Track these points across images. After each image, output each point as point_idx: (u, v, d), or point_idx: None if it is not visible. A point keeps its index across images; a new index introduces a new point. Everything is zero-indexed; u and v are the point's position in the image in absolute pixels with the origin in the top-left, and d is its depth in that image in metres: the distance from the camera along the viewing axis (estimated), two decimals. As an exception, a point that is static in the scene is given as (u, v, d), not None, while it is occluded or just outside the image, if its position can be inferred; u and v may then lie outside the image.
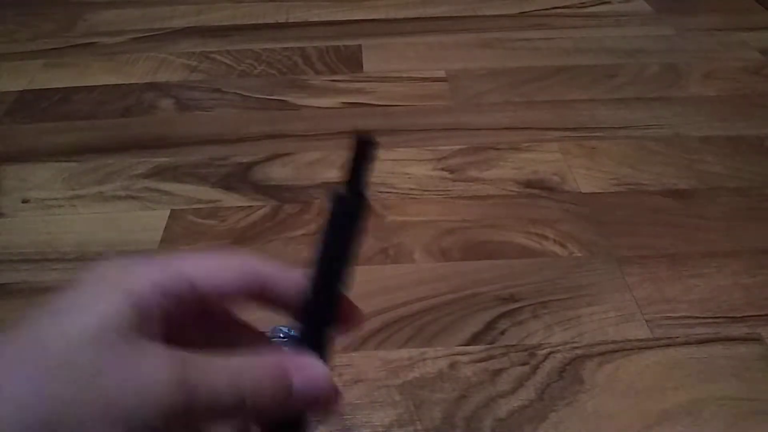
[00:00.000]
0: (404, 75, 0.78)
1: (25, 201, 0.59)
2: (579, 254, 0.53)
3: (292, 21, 0.92)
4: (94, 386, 0.18)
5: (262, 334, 0.25)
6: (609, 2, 0.96)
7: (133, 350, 0.19)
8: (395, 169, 0.63)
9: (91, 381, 0.18)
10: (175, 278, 0.21)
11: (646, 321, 0.47)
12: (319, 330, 0.23)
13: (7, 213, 0.58)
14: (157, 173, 0.63)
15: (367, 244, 0.54)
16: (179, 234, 0.55)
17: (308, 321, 0.23)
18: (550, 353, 0.45)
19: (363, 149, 0.22)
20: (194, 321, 0.21)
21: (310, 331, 0.23)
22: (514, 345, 0.46)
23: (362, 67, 0.80)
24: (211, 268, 0.22)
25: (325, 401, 0.22)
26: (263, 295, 0.22)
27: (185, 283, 0.21)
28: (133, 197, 0.60)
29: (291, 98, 0.74)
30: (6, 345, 0.18)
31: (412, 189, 0.60)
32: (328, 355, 0.22)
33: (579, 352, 0.45)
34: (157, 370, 0.19)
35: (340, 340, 0.23)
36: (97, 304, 0.19)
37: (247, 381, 0.20)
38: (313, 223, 0.56)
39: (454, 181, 0.61)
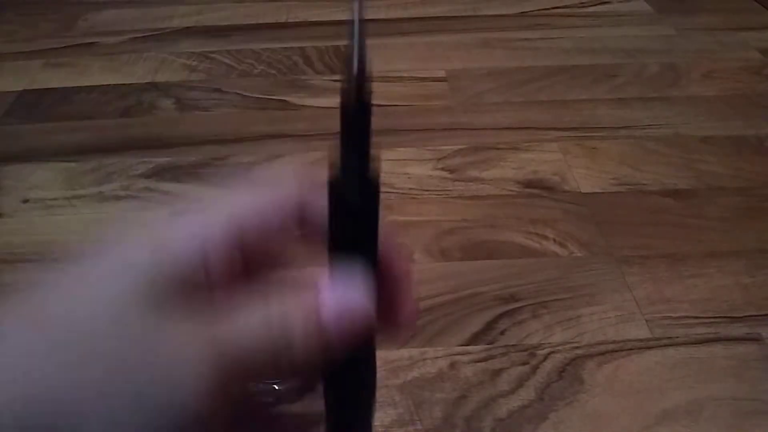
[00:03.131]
0: (404, 75, 0.78)
1: (25, 201, 0.59)
2: (579, 254, 0.53)
3: (292, 21, 0.92)
4: (118, 373, 0.16)
5: (299, 271, 0.22)
6: (609, 2, 0.96)
7: (160, 326, 0.17)
8: (395, 169, 0.63)
9: (114, 367, 0.16)
10: (217, 231, 0.18)
11: (646, 321, 0.47)
12: (360, 248, 0.19)
13: (7, 213, 0.58)
14: (157, 173, 0.63)
15: (367, 244, 0.54)
16: (179, 234, 0.55)
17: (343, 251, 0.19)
18: (550, 353, 0.45)
19: (358, 119, 0.17)
20: (233, 270, 0.19)
21: (351, 246, 0.19)
22: (514, 345, 0.46)
23: (362, 67, 0.80)
24: (254, 210, 0.19)
25: (368, 329, 0.19)
26: (306, 225, 0.20)
27: (227, 234, 0.18)
28: (133, 197, 0.60)
29: (291, 98, 0.74)
30: (7, 319, 0.17)
31: (411, 189, 0.60)
32: (368, 284, 0.19)
33: (579, 352, 0.45)
34: (186, 353, 0.16)
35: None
36: (119, 267, 0.17)
37: (275, 333, 0.18)
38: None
39: (454, 181, 0.61)
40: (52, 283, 0.17)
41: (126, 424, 0.16)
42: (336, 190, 0.18)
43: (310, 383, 0.22)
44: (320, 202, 0.19)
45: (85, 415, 0.16)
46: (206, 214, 0.19)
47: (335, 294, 0.19)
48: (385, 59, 0.81)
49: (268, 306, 0.18)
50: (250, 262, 0.20)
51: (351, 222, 0.19)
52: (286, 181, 0.20)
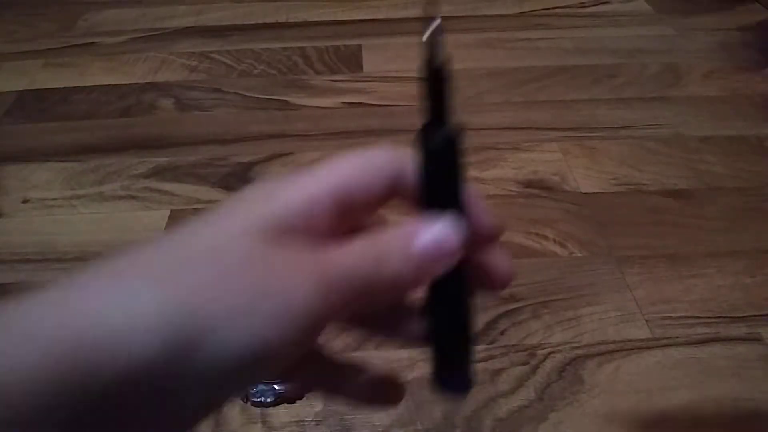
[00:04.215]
0: (404, 75, 0.78)
1: (25, 201, 0.59)
2: (579, 254, 0.53)
3: (292, 21, 0.92)
4: (241, 278, 0.18)
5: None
6: (609, 2, 0.96)
7: (276, 252, 0.19)
8: (395, 169, 0.62)
9: (237, 273, 0.18)
10: (323, 188, 0.21)
11: (646, 321, 0.47)
12: (447, 196, 0.22)
13: (7, 213, 0.58)
14: (157, 173, 0.63)
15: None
16: (179, 234, 0.55)
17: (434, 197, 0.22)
18: (550, 353, 0.45)
19: (438, 77, 0.20)
20: (335, 225, 0.21)
21: (438, 194, 0.22)
22: (514, 345, 0.46)
23: (362, 67, 0.80)
24: (357, 176, 0.22)
25: (455, 256, 0.21)
26: (401, 190, 0.22)
27: (332, 193, 0.21)
28: (133, 197, 0.60)
29: (291, 98, 0.74)
30: (145, 245, 0.19)
31: (412, 189, 0.60)
32: (462, 214, 0.21)
33: (579, 352, 0.45)
34: (300, 274, 0.19)
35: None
36: (240, 213, 0.20)
37: (371, 256, 0.20)
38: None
39: (454, 181, 0.61)
40: (192, 225, 0.20)
41: (247, 337, 0.18)
42: (422, 136, 0.21)
43: (306, 387, 0.24)
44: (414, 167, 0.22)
45: (218, 326, 0.18)
46: (313, 176, 0.21)
47: (427, 226, 0.21)
48: (385, 59, 0.81)
49: (368, 238, 0.21)
50: (351, 221, 0.22)
51: (436, 166, 0.21)
52: (385, 151, 0.22)
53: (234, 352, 0.18)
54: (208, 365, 0.17)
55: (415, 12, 0.94)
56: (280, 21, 0.92)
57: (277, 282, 0.19)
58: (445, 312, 0.23)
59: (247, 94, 0.75)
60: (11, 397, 0.16)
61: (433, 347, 0.23)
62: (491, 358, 0.45)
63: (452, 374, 0.23)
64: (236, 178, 0.62)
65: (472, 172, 0.62)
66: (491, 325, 0.47)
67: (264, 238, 0.19)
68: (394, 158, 0.22)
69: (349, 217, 0.22)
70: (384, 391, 0.26)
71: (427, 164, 0.21)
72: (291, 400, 0.42)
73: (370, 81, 0.77)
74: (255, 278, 0.19)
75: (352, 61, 0.81)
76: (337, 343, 0.46)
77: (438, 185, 0.22)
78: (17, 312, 0.18)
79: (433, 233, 0.21)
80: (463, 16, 0.92)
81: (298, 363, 0.23)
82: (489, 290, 0.24)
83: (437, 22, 0.20)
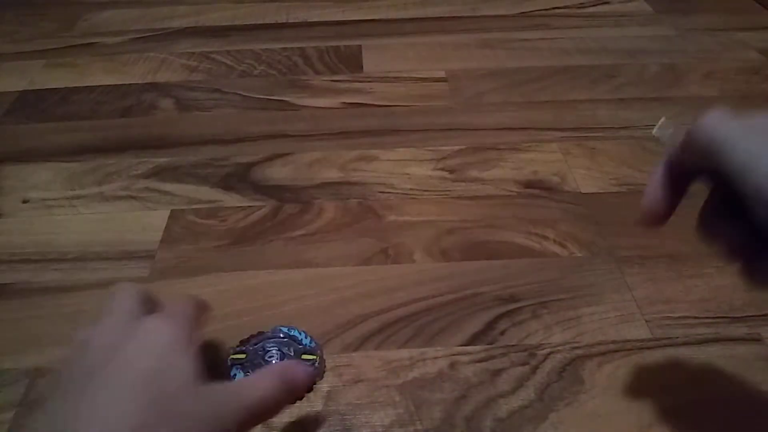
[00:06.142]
0: (404, 75, 0.78)
1: (25, 201, 0.59)
2: (579, 254, 0.53)
3: (292, 21, 0.92)
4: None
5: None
6: (609, 2, 0.96)
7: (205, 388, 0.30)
8: (395, 170, 0.63)
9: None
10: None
11: (646, 321, 0.47)
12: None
13: (7, 213, 0.58)
14: (157, 173, 0.63)
15: (367, 244, 0.54)
16: (179, 234, 0.55)
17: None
18: (550, 353, 0.45)
19: None
20: None
21: None
22: (514, 345, 0.46)
23: (362, 67, 0.80)
24: None
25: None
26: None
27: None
28: (133, 197, 0.60)
29: (291, 98, 0.74)
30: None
31: (411, 189, 0.60)
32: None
33: (579, 352, 0.45)
34: (227, 400, 0.30)
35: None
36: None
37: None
38: (313, 223, 0.56)
39: (454, 181, 0.61)
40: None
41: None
42: None
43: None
44: None
45: None
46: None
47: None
48: (385, 59, 0.81)
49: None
50: None
51: None
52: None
53: None
54: None
55: (415, 12, 0.94)
56: (280, 21, 0.92)
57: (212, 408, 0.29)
58: None
59: (247, 94, 0.75)
60: None
61: None
62: (491, 358, 0.45)
63: None
64: (236, 179, 0.62)
65: (472, 173, 0.62)
66: (491, 325, 0.47)
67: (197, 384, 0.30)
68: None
69: None
70: None
71: None
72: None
73: (370, 81, 0.77)
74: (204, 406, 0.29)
75: (352, 61, 0.81)
76: (338, 342, 0.46)
77: None
78: None
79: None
80: (463, 17, 0.92)
81: None
82: None
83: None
